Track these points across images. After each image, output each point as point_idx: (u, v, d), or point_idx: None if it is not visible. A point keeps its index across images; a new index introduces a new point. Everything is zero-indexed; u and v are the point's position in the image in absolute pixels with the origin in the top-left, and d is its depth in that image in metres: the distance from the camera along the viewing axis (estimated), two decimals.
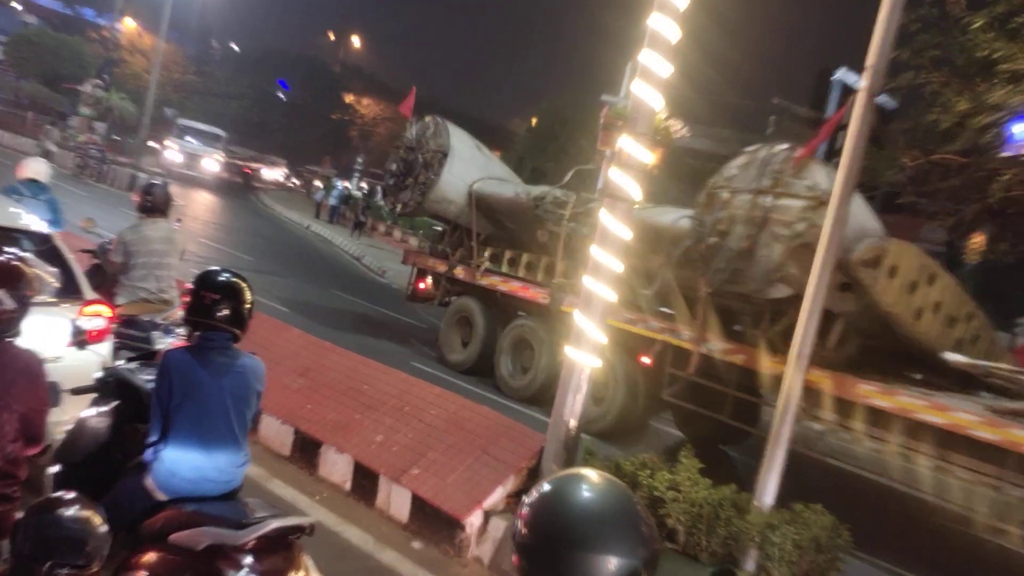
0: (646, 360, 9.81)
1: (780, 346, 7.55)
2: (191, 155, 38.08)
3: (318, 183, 43.22)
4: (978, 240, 24.51)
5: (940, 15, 9.80)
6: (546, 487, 1.65)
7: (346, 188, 38.57)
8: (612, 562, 1.53)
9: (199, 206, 28.12)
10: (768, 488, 5.48)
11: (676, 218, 9.42)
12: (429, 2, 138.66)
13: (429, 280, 13.38)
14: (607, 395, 9.98)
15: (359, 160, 48.42)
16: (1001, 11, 9.39)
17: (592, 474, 1.68)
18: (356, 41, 78.68)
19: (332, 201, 35.89)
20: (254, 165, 47.20)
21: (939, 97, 9.75)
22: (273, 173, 49.17)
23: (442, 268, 12.95)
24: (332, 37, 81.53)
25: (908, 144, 10.93)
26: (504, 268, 12.14)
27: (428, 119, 12.94)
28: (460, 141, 12.80)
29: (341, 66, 75.38)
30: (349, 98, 66.18)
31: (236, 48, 64.61)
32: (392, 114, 66.70)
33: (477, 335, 12.03)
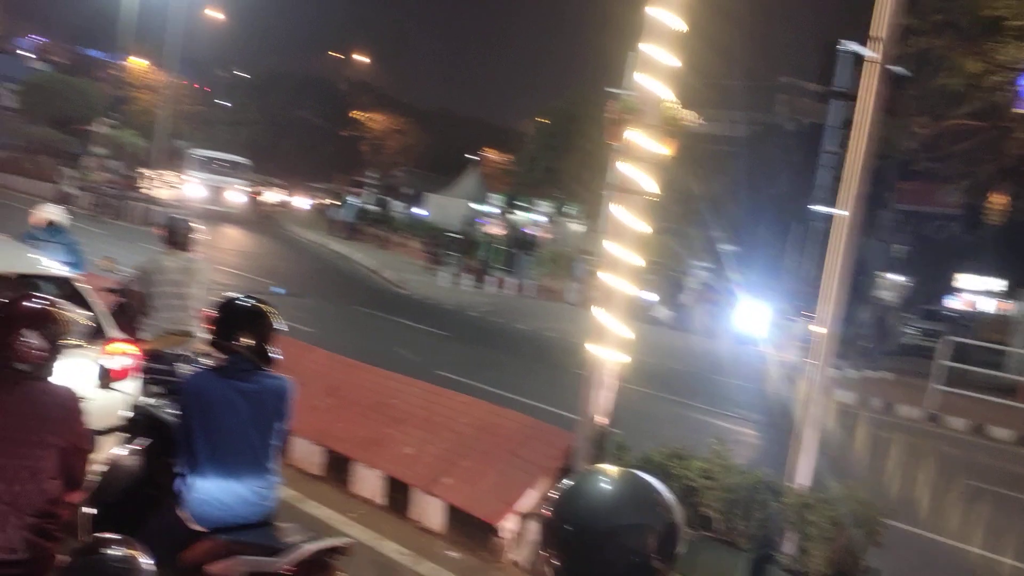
0: None
1: None
2: (214, 188, 35.70)
3: (335, 201, 43.31)
4: (1000, 201, 24.20)
5: None
6: (564, 483, 1.77)
7: (360, 203, 38.68)
8: (628, 540, 1.64)
9: (218, 235, 28.33)
10: (801, 468, 5.44)
11: None
12: (429, 14, 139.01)
13: None
14: None
15: (370, 175, 48.62)
16: None
17: (609, 468, 1.79)
18: (360, 58, 79.17)
19: (347, 217, 35.99)
20: (260, 189, 47.17)
21: (946, 61, 9.63)
22: (276, 195, 49.08)
23: None
24: (337, 55, 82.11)
25: (919, 110, 10.80)
26: None
27: None
28: None
29: (348, 83, 75.80)
30: (357, 114, 66.47)
31: (243, 75, 65.03)
32: (401, 126, 67.11)
33: None
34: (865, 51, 5.61)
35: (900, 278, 28.95)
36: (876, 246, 25.41)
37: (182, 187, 36.83)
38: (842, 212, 5.63)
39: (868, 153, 5.54)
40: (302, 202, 49.43)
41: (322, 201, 49.45)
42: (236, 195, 36.63)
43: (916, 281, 28.62)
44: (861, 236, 5.77)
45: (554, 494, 1.74)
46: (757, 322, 20.06)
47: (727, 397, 13.78)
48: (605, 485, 1.73)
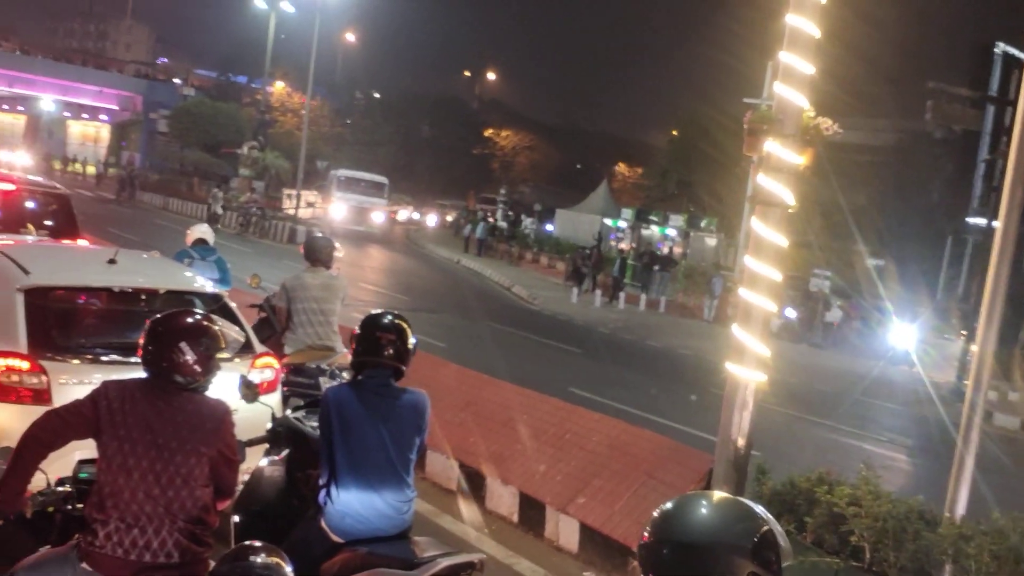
0: None
1: None
2: (354, 207, 36.33)
3: (463, 217, 44.00)
4: None
5: None
6: (662, 507, 1.81)
7: (491, 220, 39.13)
8: (724, 561, 1.66)
9: (358, 253, 29.24)
10: (959, 497, 5.08)
11: None
12: (558, 30, 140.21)
13: None
14: None
15: (502, 191, 49.14)
16: None
17: (708, 492, 1.86)
18: (491, 76, 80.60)
19: (479, 234, 36.51)
20: (396, 208, 48.35)
21: None
22: (407, 213, 50.21)
23: None
24: (468, 75, 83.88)
25: None
26: None
27: None
28: None
29: (478, 102, 77.27)
30: (488, 132, 67.53)
31: (378, 96, 67.18)
32: (530, 142, 67.78)
33: None
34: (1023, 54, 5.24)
35: None
36: None
37: (324, 206, 38.11)
38: (996, 224, 5.27)
39: None
40: (432, 219, 50.38)
41: (445, 218, 50.28)
42: (375, 213, 37.52)
43: None
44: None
45: (653, 518, 1.78)
46: (909, 341, 19.09)
47: (876, 420, 13.12)
48: (702, 509, 1.77)
